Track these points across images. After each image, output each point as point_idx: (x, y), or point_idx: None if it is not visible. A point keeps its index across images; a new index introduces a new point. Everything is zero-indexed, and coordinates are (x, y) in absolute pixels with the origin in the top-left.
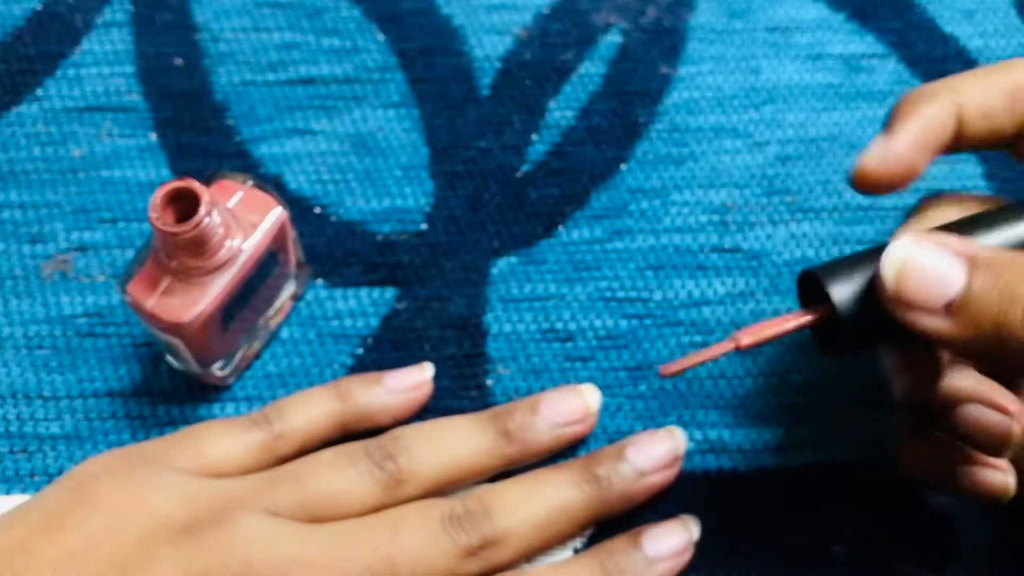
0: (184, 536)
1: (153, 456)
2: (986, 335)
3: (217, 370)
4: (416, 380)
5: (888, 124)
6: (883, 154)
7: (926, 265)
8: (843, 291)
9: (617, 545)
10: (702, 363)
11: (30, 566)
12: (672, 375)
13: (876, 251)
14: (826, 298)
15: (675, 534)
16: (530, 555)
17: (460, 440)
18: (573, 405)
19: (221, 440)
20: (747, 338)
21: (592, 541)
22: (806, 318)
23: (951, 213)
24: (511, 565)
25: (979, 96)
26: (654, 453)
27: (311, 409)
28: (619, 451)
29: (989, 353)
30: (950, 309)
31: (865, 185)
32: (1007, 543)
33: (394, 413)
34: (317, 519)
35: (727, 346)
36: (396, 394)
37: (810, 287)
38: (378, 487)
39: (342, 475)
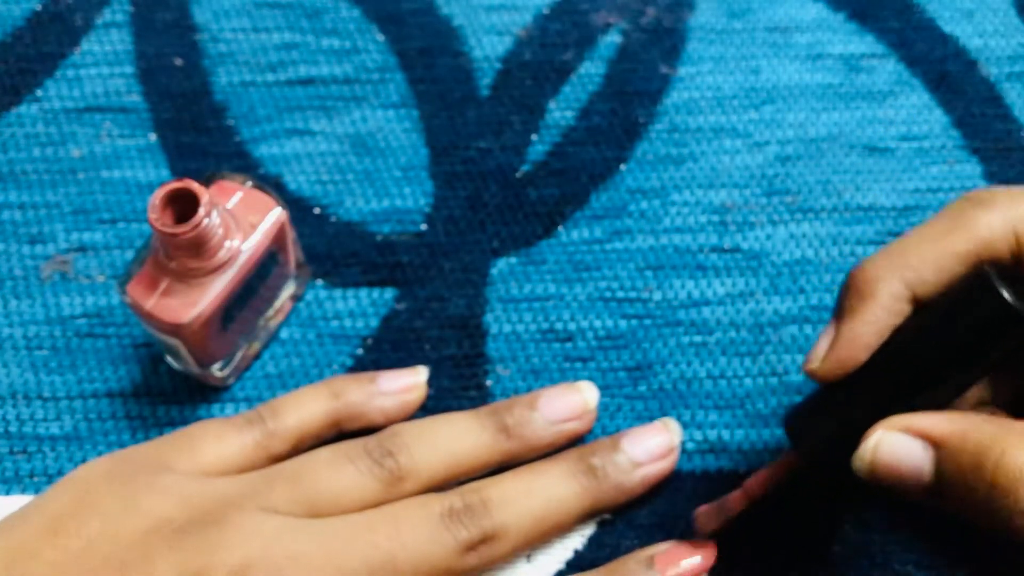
0: (181, 536)
1: (150, 458)
2: (965, 509)
3: (217, 371)
4: (409, 382)
5: (837, 312)
6: (831, 360)
7: (895, 458)
8: (817, 448)
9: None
10: (728, 515)
11: (31, 568)
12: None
13: (849, 401)
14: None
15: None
16: (528, 547)
17: (459, 436)
18: (571, 402)
19: (216, 440)
20: (753, 488)
21: (593, 542)
22: (784, 463)
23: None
24: (509, 558)
25: (932, 271)
26: (649, 444)
27: (305, 407)
28: (614, 442)
29: (976, 519)
30: (929, 492)
31: (816, 381)
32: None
33: (387, 413)
34: (315, 516)
35: (740, 497)
36: (388, 395)
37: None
38: (377, 484)
39: (341, 472)
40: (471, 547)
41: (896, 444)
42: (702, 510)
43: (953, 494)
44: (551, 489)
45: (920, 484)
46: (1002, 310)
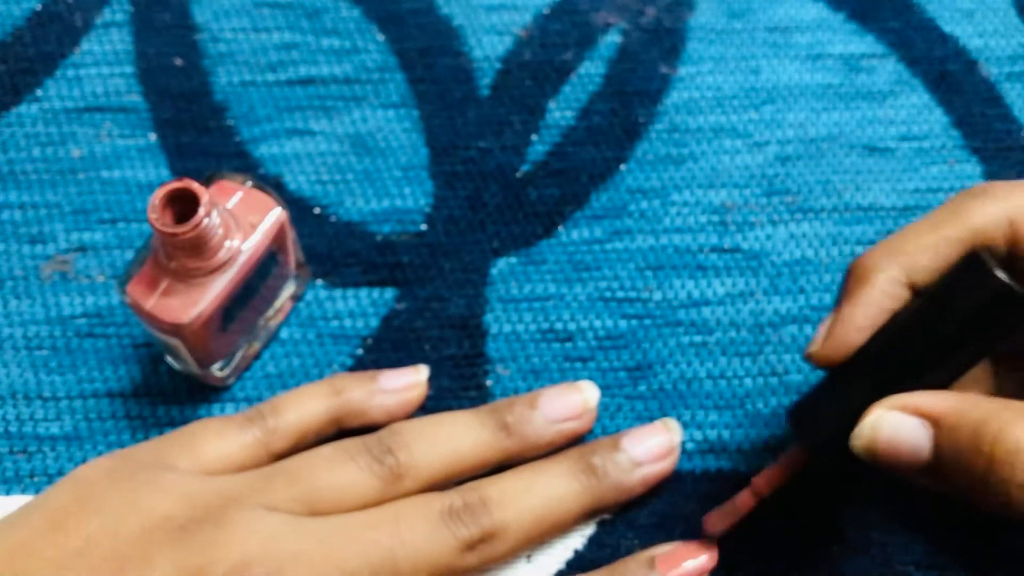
0: (181, 534)
1: (150, 457)
2: (964, 487)
3: (217, 371)
4: (410, 381)
5: (837, 301)
6: (831, 343)
7: (894, 437)
8: (819, 437)
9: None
10: (736, 518)
11: (32, 566)
12: (717, 532)
13: (851, 387)
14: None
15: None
16: (528, 546)
17: (459, 434)
18: (571, 401)
19: (217, 438)
20: (762, 485)
21: (593, 542)
22: (791, 458)
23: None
24: (509, 557)
25: (929, 258)
26: (649, 444)
27: (305, 405)
28: (615, 441)
29: (974, 497)
30: (927, 471)
31: (815, 365)
32: (1007, 543)
33: (388, 411)
34: (316, 514)
35: (748, 498)
36: (389, 393)
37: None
38: (378, 482)
39: (341, 470)
40: (471, 545)
41: (894, 422)
42: (711, 514)
43: (951, 472)
44: (551, 488)
45: (919, 463)
46: (995, 289)
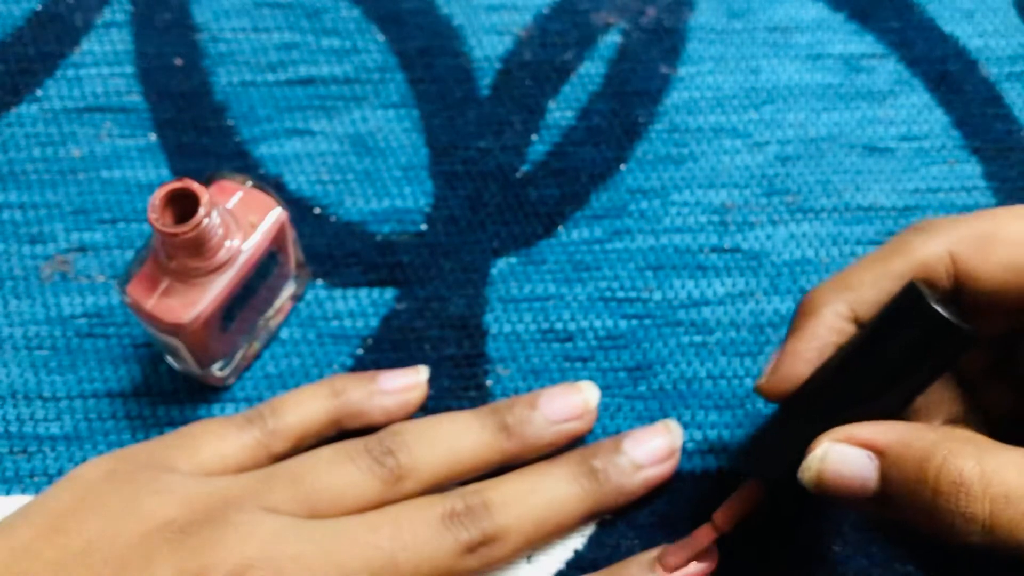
0: (181, 537)
1: (151, 457)
2: (911, 516)
3: (217, 371)
4: (409, 382)
5: (786, 336)
6: (778, 376)
7: (840, 469)
8: (773, 471)
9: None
10: (696, 551)
11: (31, 567)
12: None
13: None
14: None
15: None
16: (529, 549)
17: (459, 435)
18: (572, 401)
19: (216, 439)
20: (722, 521)
21: (593, 542)
22: (749, 492)
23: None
24: (510, 559)
25: (873, 292)
26: (651, 446)
27: (305, 406)
28: (616, 444)
29: (922, 526)
30: (875, 502)
31: (765, 399)
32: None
33: (387, 412)
34: (316, 515)
35: (709, 532)
36: (389, 394)
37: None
38: (378, 483)
39: (341, 471)
40: (472, 548)
41: (841, 454)
42: (670, 548)
43: (898, 502)
44: (552, 491)
45: (866, 494)
46: (931, 319)
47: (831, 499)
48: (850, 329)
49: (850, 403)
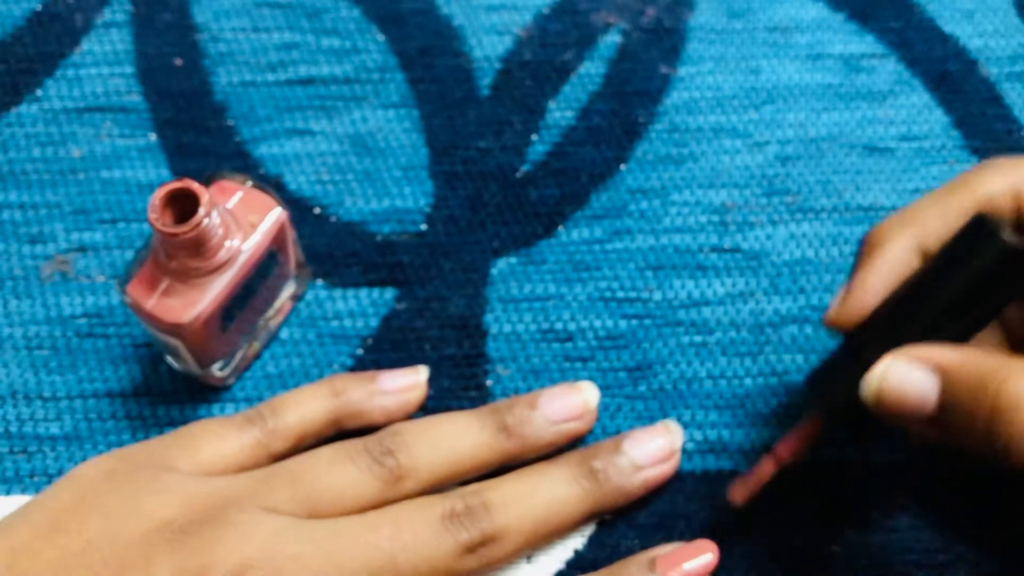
0: (181, 537)
1: (151, 457)
2: (966, 437)
3: (217, 371)
4: (409, 382)
5: (853, 269)
6: (846, 308)
7: (901, 385)
8: (836, 399)
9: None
10: (759, 485)
11: (31, 567)
12: (741, 502)
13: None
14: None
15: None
16: (529, 549)
17: (459, 435)
18: (572, 401)
19: (216, 439)
20: (784, 452)
21: (593, 541)
22: (811, 424)
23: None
24: (510, 560)
25: (938, 226)
26: (651, 447)
27: (305, 406)
28: (616, 445)
29: (975, 447)
30: (932, 421)
31: (831, 329)
32: (1006, 542)
33: (388, 412)
34: (316, 515)
35: (770, 465)
36: (389, 394)
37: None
38: (378, 483)
39: (341, 471)
40: (471, 549)
41: (903, 371)
42: (735, 483)
43: (955, 421)
44: (552, 492)
45: (924, 412)
46: (1000, 249)
47: (889, 418)
48: (915, 262)
49: (916, 333)
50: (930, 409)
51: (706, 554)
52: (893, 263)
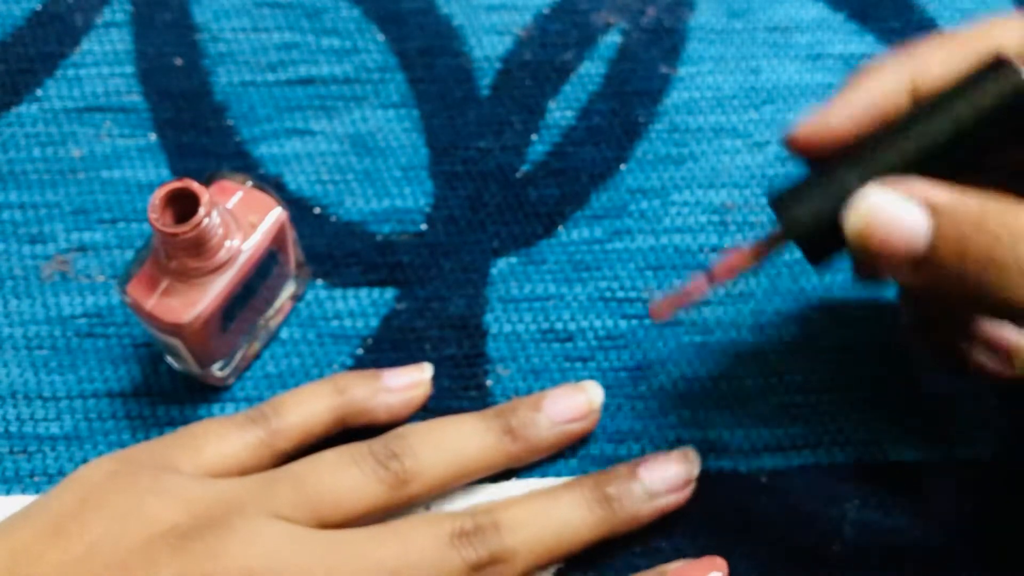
0: (184, 542)
1: (152, 458)
2: (955, 280)
3: (217, 371)
4: (414, 379)
5: (837, 92)
6: (816, 126)
7: (889, 220)
8: (802, 215)
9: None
10: (687, 304)
11: (33, 570)
12: (664, 317)
13: (842, 175)
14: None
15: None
16: (535, 570)
17: (464, 438)
18: (576, 402)
19: (219, 439)
20: (722, 272)
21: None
22: (764, 243)
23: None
24: None
25: (940, 69)
26: (667, 475)
27: (308, 404)
28: (631, 471)
29: (957, 300)
30: (915, 263)
31: (794, 150)
32: (1006, 542)
33: (392, 410)
34: (320, 520)
35: (703, 283)
36: (393, 391)
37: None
38: (382, 486)
39: (346, 474)
40: (478, 568)
41: (894, 204)
42: (659, 300)
43: (946, 262)
44: (564, 516)
45: (909, 254)
46: (1012, 83)
47: (868, 255)
48: (904, 101)
49: (902, 165)
50: (917, 252)
51: (715, 572)
52: (878, 92)
